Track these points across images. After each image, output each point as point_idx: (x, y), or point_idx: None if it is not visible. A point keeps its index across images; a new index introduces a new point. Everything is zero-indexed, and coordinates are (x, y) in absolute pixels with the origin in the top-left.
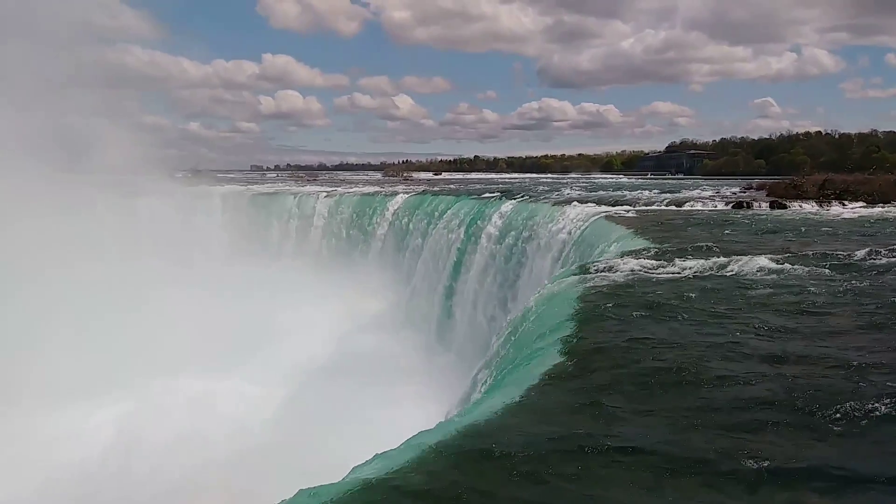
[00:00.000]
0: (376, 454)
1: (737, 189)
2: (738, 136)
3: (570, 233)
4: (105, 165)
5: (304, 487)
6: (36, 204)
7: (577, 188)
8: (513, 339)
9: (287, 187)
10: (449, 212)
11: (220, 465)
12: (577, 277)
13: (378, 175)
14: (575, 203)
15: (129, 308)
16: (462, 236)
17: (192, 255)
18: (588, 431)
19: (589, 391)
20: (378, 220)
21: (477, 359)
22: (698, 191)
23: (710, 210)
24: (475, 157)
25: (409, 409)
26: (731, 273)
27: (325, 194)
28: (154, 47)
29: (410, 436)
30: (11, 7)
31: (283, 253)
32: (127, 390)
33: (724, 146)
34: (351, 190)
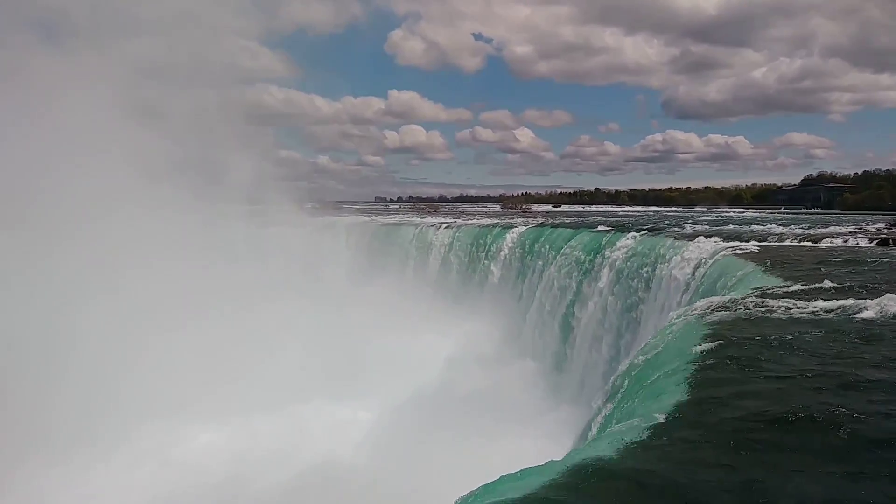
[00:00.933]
0: (483, 485)
1: (881, 225)
2: (884, 169)
3: (694, 268)
4: (241, 196)
5: None
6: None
7: (703, 222)
8: (633, 374)
9: (409, 218)
10: (568, 244)
11: (322, 487)
12: (701, 313)
13: (497, 207)
14: (700, 238)
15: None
16: (581, 269)
17: (317, 283)
18: (709, 475)
19: (712, 431)
20: (495, 251)
21: (594, 393)
22: (838, 227)
23: (850, 247)
24: (596, 189)
25: (522, 443)
26: (869, 316)
27: (444, 225)
28: (290, 86)
29: (518, 470)
30: (167, 51)
31: (403, 282)
32: (243, 410)
33: (867, 179)
34: (470, 222)
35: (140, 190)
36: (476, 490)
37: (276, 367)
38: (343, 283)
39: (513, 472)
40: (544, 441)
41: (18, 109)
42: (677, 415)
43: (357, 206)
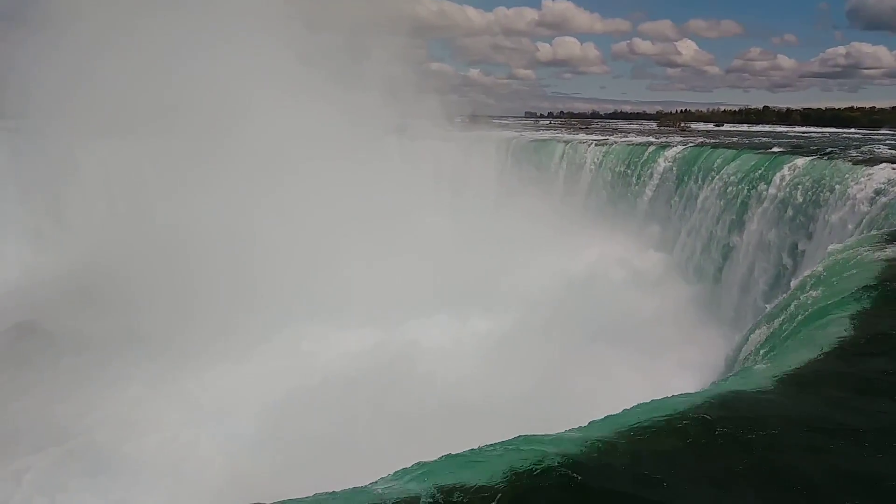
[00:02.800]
0: (624, 411)
1: None
2: None
3: (873, 196)
4: (396, 110)
5: (526, 434)
6: (340, 144)
7: (888, 146)
8: (792, 305)
9: (559, 135)
10: (729, 166)
11: (450, 404)
12: (875, 246)
13: (653, 125)
14: (884, 164)
15: (405, 233)
16: (742, 193)
17: (465, 197)
18: (860, 413)
19: (873, 372)
20: (649, 170)
21: (747, 321)
22: None
23: None
24: (764, 107)
25: (664, 369)
26: None
27: (595, 143)
28: None
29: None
30: None
31: (551, 199)
32: (384, 321)
33: None
34: (623, 139)
35: (298, 100)
36: (602, 418)
37: (419, 278)
38: (490, 198)
39: (647, 400)
40: (688, 367)
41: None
42: (835, 351)
43: (506, 121)
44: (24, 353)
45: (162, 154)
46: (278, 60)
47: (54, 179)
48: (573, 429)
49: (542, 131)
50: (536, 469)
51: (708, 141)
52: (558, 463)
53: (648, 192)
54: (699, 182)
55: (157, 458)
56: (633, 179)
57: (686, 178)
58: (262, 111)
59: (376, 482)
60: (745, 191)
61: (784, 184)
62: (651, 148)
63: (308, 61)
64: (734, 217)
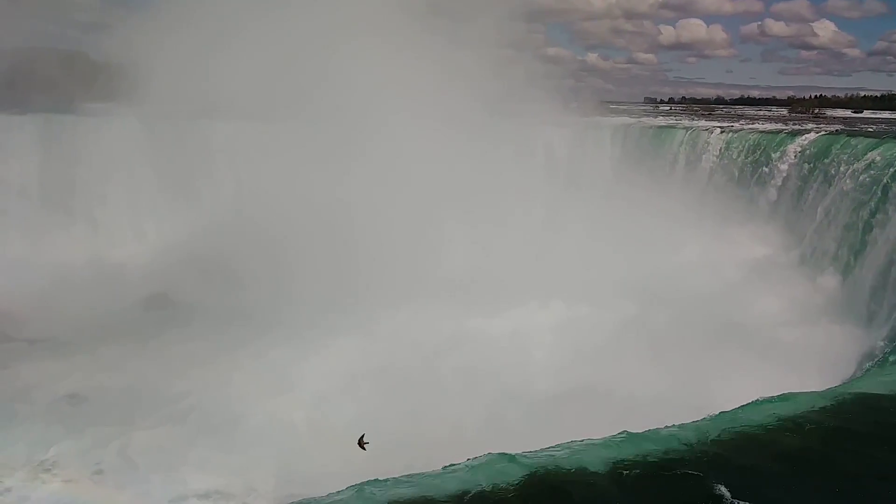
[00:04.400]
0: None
1: None
2: None
3: None
4: (509, 95)
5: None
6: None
7: None
8: None
9: (679, 121)
10: (867, 156)
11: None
12: None
13: (783, 111)
14: None
15: (513, 220)
16: (882, 183)
17: (577, 184)
18: None
19: None
20: (777, 160)
21: (883, 322)
22: None
23: None
24: None
25: (791, 366)
26: None
27: (719, 130)
28: None
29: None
30: None
31: (669, 188)
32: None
33: None
34: (750, 126)
35: (415, 88)
36: (722, 412)
37: (526, 266)
38: (604, 186)
39: (770, 396)
40: (812, 367)
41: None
42: None
43: (624, 107)
44: (153, 322)
45: (285, 138)
46: (398, 50)
47: (185, 161)
48: (678, 425)
49: (661, 117)
50: (637, 464)
51: (845, 129)
52: (659, 458)
53: (776, 182)
54: (833, 172)
55: (267, 431)
56: (760, 168)
57: (818, 168)
58: (380, 100)
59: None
60: (887, 181)
61: None
62: (781, 135)
63: (425, 48)
64: (872, 209)
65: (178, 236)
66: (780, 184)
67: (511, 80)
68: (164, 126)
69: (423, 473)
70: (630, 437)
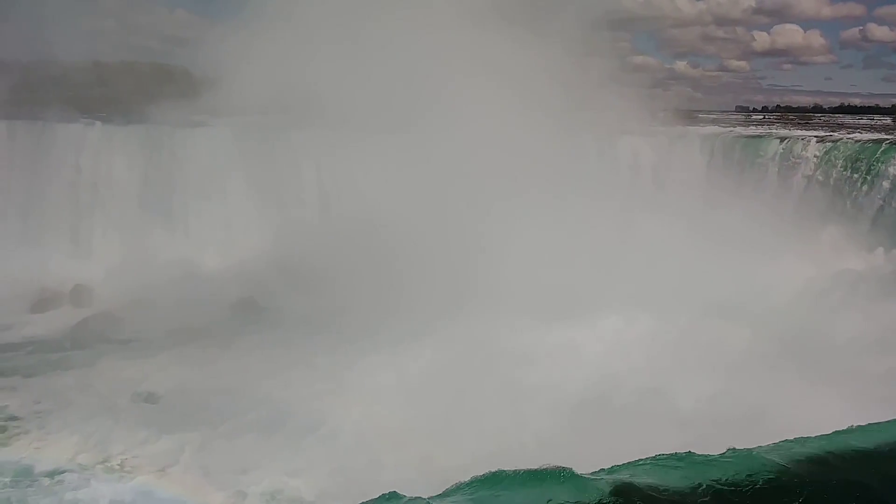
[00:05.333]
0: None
1: None
2: None
3: None
4: (593, 104)
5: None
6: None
7: None
8: None
9: (773, 130)
10: None
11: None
12: None
13: (887, 120)
14: None
15: (597, 232)
16: None
17: (664, 196)
18: None
19: None
20: (879, 172)
21: None
22: None
23: None
24: None
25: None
26: None
27: (816, 139)
28: None
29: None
30: None
31: (760, 201)
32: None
33: None
34: (849, 136)
35: (500, 97)
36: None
37: (612, 278)
38: (692, 198)
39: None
40: None
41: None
42: None
43: (713, 116)
44: (239, 326)
45: (372, 146)
46: (484, 58)
47: (273, 170)
48: (757, 448)
49: (753, 127)
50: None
51: None
52: (730, 483)
53: (877, 196)
54: None
55: (347, 437)
56: (861, 180)
57: None
58: (457, 107)
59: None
60: None
61: None
62: (884, 145)
63: (508, 56)
64: None
65: (265, 243)
66: (881, 198)
67: (595, 89)
68: (254, 136)
69: (484, 485)
70: (701, 459)
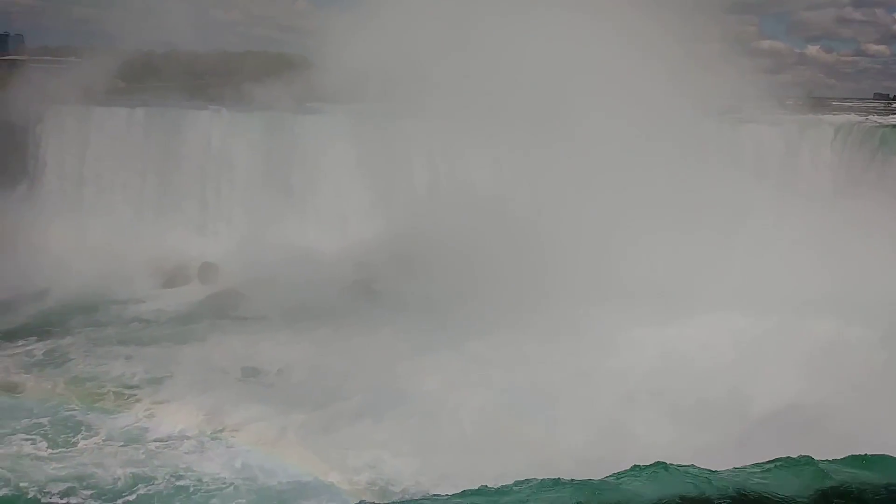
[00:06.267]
0: None
1: None
2: None
3: None
4: (715, 91)
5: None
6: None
7: None
8: None
9: None
10: None
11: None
12: None
13: None
14: None
15: (724, 231)
16: None
17: (791, 190)
18: None
19: None
20: None
21: None
22: None
23: None
24: None
25: None
26: None
27: None
28: None
29: None
30: None
31: None
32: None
33: None
34: None
35: (617, 89)
36: None
37: (733, 274)
38: (823, 190)
39: None
40: None
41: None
42: None
43: (849, 104)
44: (353, 308)
45: (481, 134)
46: (593, 44)
47: (388, 158)
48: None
49: (893, 116)
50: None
51: None
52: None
53: None
54: None
55: (458, 421)
56: None
57: None
58: (584, 97)
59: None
60: None
61: None
62: None
63: (623, 42)
64: None
65: (379, 228)
66: None
67: (718, 75)
68: (369, 122)
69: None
70: (821, 464)
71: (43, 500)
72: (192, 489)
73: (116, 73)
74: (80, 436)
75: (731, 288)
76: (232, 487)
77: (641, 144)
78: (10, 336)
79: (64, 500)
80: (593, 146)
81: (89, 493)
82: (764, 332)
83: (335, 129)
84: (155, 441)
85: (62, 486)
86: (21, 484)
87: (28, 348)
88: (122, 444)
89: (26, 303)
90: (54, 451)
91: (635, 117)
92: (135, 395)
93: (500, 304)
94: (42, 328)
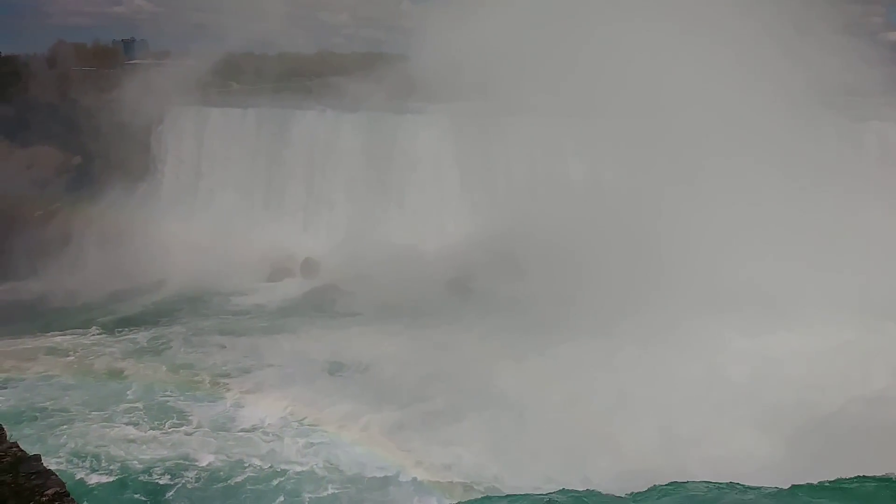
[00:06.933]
0: None
1: None
2: None
3: None
4: (836, 84)
5: None
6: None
7: None
8: None
9: None
10: None
11: None
12: None
13: None
14: None
15: (836, 232)
16: None
17: None
18: None
19: None
20: None
21: None
22: None
23: None
24: None
25: None
26: None
27: None
28: None
29: None
30: None
31: None
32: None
33: None
34: None
35: (726, 79)
36: None
37: (855, 282)
38: None
39: None
40: None
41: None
42: None
43: None
44: (450, 305)
45: (582, 131)
46: (716, 35)
47: (486, 157)
48: None
49: None
50: None
51: None
52: None
53: None
54: None
55: (549, 424)
56: None
57: None
58: (688, 91)
59: None
60: None
61: None
62: None
63: (737, 31)
64: None
65: (477, 227)
66: None
67: (840, 70)
68: (468, 122)
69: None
70: None
71: (149, 479)
72: (280, 475)
73: (230, 76)
74: (175, 421)
75: (841, 294)
76: (318, 476)
77: (748, 141)
78: (122, 324)
79: (167, 480)
80: (697, 143)
81: (191, 474)
82: (874, 345)
83: (435, 127)
84: (243, 429)
85: (164, 467)
86: (130, 463)
87: (134, 336)
88: (213, 430)
89: (141, 294)
90: (153, 435)
91: (743, 113)
92: (227, 383)
93: (597, 309)
94: (151, 318)
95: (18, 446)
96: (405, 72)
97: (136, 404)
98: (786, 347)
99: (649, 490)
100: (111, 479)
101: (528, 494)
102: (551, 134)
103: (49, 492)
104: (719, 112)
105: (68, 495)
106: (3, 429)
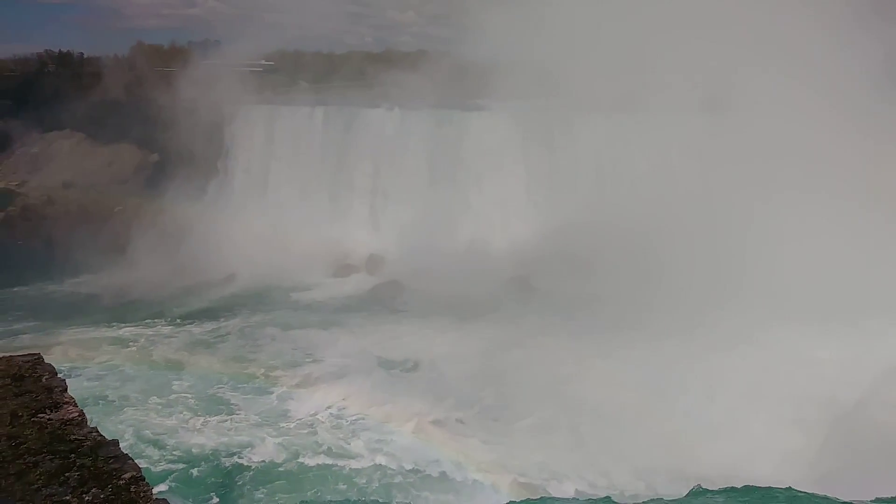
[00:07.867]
0: None
1: None
2: None
3: None
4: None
5: None
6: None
7: None
8: None
9: None
10: None
11: None
12: None
13: None
14: None
15: None
16: None
17: None
18: None
19: None
20: None
21: None
22: None
23: None
24: None
25: None
26: None
27: None
28: None
29: None
30: None
31: None
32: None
33: None
34: None
35: (795, 92)
36: None
37: None
38: None
39: None
40: None
41: None
42: None
43: None
44: (512, 303)
45: (650, 127)
46: (787, 49)
47: (551, 155)
48: None
49: None
50: None
51: None
52: None
53: None
54: None
55: (615, 428)
56: None
57: None
58: (763, 91)
59: None
60: None
61: None
62: None
63: (815, 47)
64: None
65: (539, 225)
66: None
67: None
68: (533, 120)
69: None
70: None
71: (213, 465)
72: (339, 467)
73: (299, 74)
74: (229, 411)
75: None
76: (376, 469)
77: (819, 135)
78: (187, 317)
79: (230, 466)
80: (772, 143)
81: (255, 460)
82: None
83: (501, 124)
84: (296, 421)
85: (227, 453)
86: (192, 450)
87: (195, 329)
88: (270, 420)
89: (210, 288)
90: (208, 424)
91: (818, 106)
92: (280, 376)
93: (668, 311)
94: (216, 311)
95: (98, 431)
96: (471, 69)
97: (194, 395)
98: (869, 361)
99: (716, 492)
100: (178, 465)
101: (590, 499)
102: (619, 129)
103: (126, 476)
104: (795, 113)
105: (143, 479)
106: (83, 414)
